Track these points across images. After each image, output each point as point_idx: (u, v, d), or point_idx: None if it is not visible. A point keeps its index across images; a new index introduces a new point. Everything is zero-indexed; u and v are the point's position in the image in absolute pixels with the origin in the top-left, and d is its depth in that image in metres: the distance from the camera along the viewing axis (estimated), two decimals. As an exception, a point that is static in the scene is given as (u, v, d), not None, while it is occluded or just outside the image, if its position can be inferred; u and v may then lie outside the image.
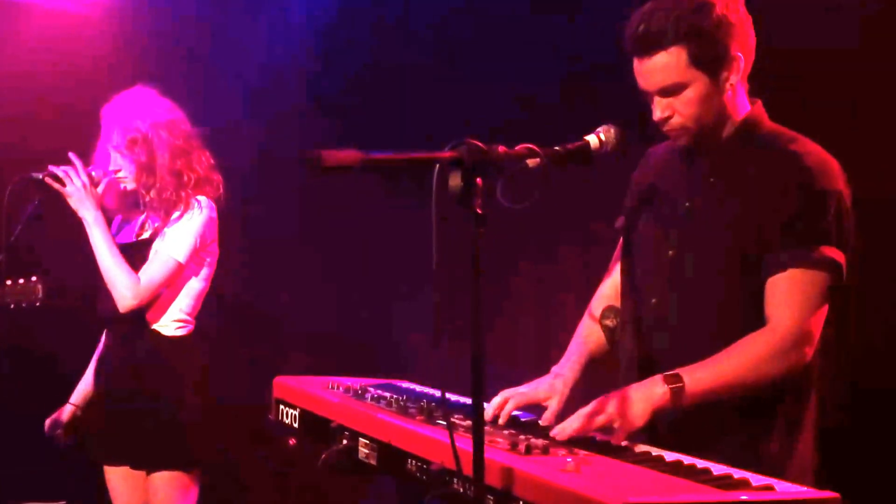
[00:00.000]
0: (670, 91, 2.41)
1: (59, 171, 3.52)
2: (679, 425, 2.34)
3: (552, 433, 2.25)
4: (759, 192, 2.39)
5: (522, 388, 2.56)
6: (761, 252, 2.36)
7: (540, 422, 2.45)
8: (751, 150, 2.45)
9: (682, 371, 2.29)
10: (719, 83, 2.41)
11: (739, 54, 2.40)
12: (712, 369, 2.31)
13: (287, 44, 5.16)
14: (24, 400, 4.69)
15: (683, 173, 2.55)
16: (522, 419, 2.53)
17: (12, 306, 3.57)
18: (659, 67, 2.39)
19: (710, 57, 2.38)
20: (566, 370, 2.64)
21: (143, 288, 3.51)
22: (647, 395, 2.26)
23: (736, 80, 2.42)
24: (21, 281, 3.56)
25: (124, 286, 3.51)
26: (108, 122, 3.63)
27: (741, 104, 2.48)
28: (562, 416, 2.39)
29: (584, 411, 2.26)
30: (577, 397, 2.57)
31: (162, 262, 3.54)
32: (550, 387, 2.57)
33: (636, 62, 2.43)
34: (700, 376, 2.29)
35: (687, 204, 2.51)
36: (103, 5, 5.06)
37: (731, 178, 2.45)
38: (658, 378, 2.29)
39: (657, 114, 2.44)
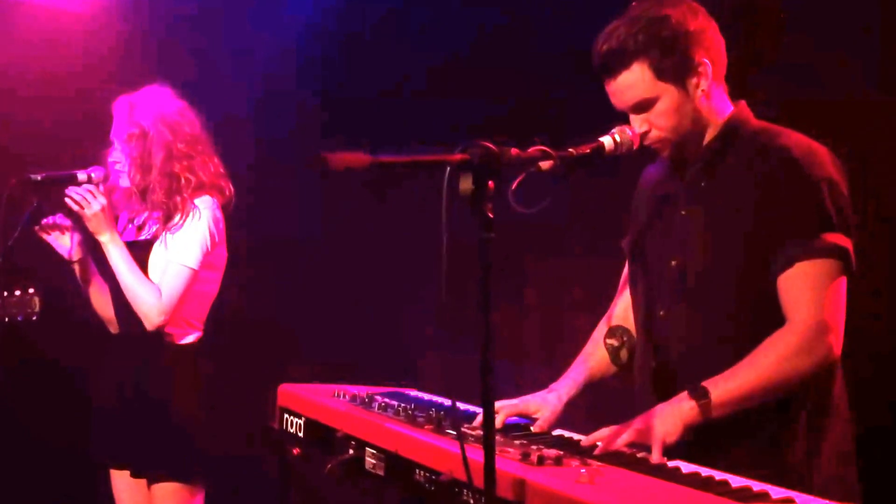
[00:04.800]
0: (642, 107, 2.42)
1: (75, 193, 3.45)
2: (697, 430, 2.28)
3: (583, 442, 2.25)
4: (751, 190, 2.38)
5: (513, 401, 2.58)
6: (764, 249, 2.33)
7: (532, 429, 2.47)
8: (738, 150, 2.45)
9: (707, 384, 2.27)
10: (689, 91, 2.41)
11: (706, 60, 2.41)
12: (737, 377, 2.28)
13: (290, 42, 5.11)
14: (26, 405, 4.67)
15: (677, 183, 2.54)
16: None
17: (7, 320, 3.40)
18: (626, 86, 2.41)
19: (674, 67, 2.38)
20: (562, 386, 2.65)
21: (166, 303, 3.45)
22: (676, 412, 2.24)
23: (707, 86, 2.42)
24: (17, 293, 3.41)
25: (149, 305, 3.45)
26: (116, 115, 3.58)
27: (721, 107, 2.48)
28: (554, 428, 2.44)
29: (615, 427, 2.24)
30: (583, 414, 2.55)
31: (177, 273, 3.47)
32: (543, 400, 2.59)
33: (605, 83, 2.45)
34: (726, 387, 2.27)
35: (683, 212, 2.50)
36: (101, 3, 5.01)
37: (723, 180, 2.44)
38: (684, 394, 2.27)
39: (635, 130, 2.44)
